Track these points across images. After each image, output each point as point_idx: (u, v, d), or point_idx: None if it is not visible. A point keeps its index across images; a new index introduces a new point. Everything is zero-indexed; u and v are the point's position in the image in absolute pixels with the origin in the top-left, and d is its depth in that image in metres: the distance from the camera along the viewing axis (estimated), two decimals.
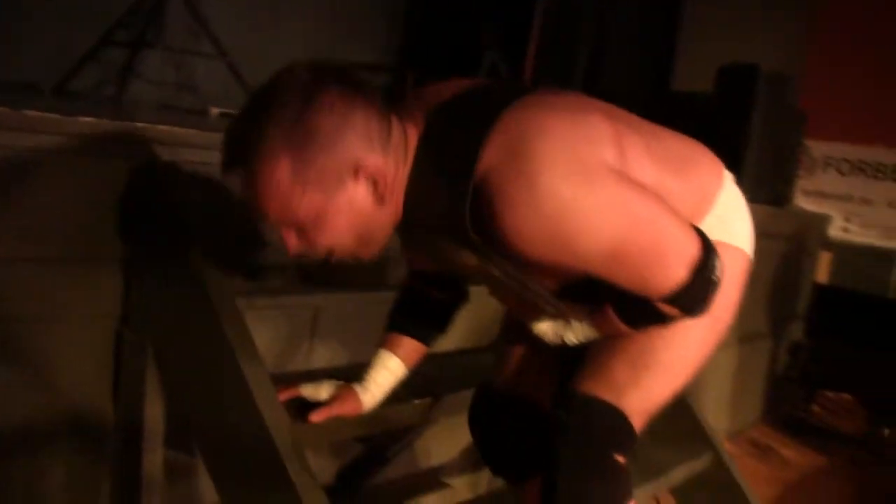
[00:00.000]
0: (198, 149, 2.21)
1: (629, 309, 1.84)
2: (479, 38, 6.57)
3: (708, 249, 1.79)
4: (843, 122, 7.87)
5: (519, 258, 1.71)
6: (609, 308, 1.86)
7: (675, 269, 1.75)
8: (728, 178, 2.09)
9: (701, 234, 1.81)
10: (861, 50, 7.77)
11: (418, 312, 2.25)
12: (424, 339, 2.24)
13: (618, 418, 1.86)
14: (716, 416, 5.68)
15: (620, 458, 1.86)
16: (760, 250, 5.81)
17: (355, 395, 2.16)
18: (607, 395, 1.87)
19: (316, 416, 2.06)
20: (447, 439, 3.21)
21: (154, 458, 2.14)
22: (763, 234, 5.59)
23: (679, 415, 3.19)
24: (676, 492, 3.21)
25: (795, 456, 5.76)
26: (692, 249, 1.77)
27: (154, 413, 2.10)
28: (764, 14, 7.13)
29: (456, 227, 1.71)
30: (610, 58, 7.38)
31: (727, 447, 5.59)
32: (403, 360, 2.21)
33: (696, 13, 7.47)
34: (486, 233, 1.67)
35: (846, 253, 7.72)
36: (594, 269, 1.73)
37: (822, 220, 7.27)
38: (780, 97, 6.10)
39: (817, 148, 8.06)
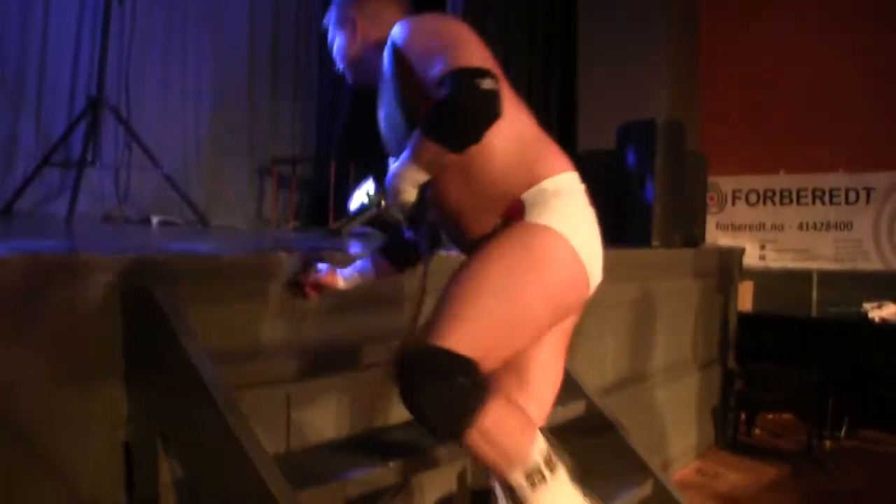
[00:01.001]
0: (177, 269, 2.56)
1: (431, 115, 2.32)
2: None
3: (494, 76, 2.28)
4: (745, 156, 8.31)
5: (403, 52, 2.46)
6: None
7: (463, 58, 2.30)
8: (572, 176, 2.48)
9: (492, 73, 2.28)
10: (748, 88, 8.24)
11: (394, 248, 2.89)
12: (394, 263, 2.90)
13: (431, 354, 2.19)
14: (682, 439, 6.09)
15: (460, 379, 2.17)
16: (688, 289, 6.11)
17: (335, 274, 2.89)
18: (429, 339, 2.21)
19: (310, 288, 2.88)
20: (419, 498, 3.50)
21: None
22: (685, 274, 6.01)
23: (620, 452, 3.57)
24: None
25: (744, 476, 6.04)
26: (481, 64, 2.31)
27: (168, 501, 2.40)
28: (652, 71, 7.46)
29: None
30: None
31: (690, 471, 5.94)
32: (375, 269, 2.91)
33: (590, 79, 7.81)
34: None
35: (766, 279, 8.11)
36: (419, 49, 2.42)
37: (737, 253, 7.60)
38: (679, 145, 6.46)
39: (725, 183, 8.51)
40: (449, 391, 2.16)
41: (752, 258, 8.25)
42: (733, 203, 8.62)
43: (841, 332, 7.21)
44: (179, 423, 2.36)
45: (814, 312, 8.05)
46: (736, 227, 8.55)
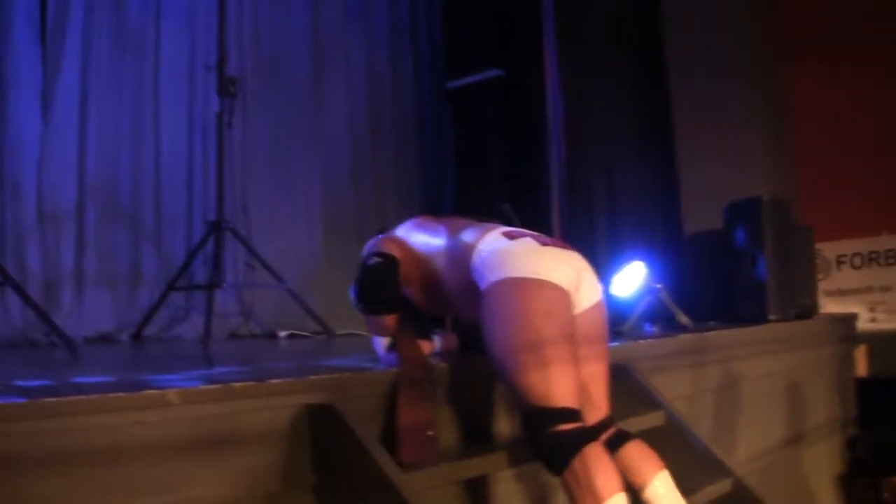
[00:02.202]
0: (356, 385, 2.74)
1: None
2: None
3: (380, 254, 3.33)
4: (845, 220, 8.27)
5: None
6: None
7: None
8: (489, 235, 3.06)
9: (383, 255, 3.32)
10: (842, 151, 8.20)
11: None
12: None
13: (525, 413, 2.75)
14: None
15: (553, 429, 2.66)
16: (812, 360, 6.16)
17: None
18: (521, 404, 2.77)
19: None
20: None
21: None
22: (807, 345, 6.06)
23: (631, 386, 3.85)
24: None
25: None
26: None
27: None
28: (748, 148, 7.58)
29: None
30: (623, 211, 7.83)
31: None
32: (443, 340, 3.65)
33: (691, 162, 7.84)
34: None
35: (877, 342, 8.04)
36: None
37: (851, 318, 7.65)
38: (786, 219, 6.54)
39: (828, 249, 8.49)
40: (552, 437, 2.66)
41: (862, 321, 8.19)
42: (838, 268, 8.59)
43: None
44: None
45: None
46: (844, 293, 8.51)
